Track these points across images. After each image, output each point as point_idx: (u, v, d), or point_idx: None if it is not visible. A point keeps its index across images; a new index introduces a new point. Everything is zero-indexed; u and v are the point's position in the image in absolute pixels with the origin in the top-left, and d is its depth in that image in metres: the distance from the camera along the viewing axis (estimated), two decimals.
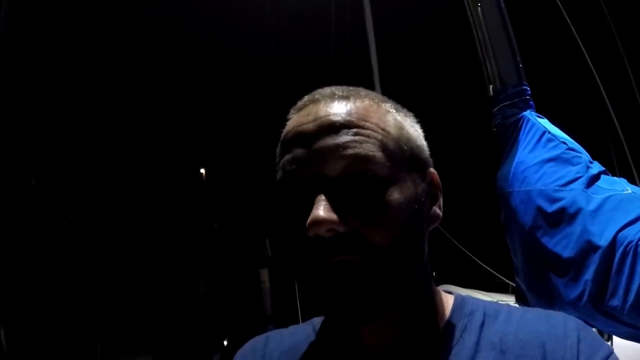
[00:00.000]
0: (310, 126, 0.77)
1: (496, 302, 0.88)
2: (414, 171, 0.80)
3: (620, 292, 1.60)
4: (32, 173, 6.73)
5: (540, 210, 2.02)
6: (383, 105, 0.83)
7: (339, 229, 0.71)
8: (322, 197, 0.72)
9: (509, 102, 2.50)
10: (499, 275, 4.28)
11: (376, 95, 0.84)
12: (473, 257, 5.18)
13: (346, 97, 0.80)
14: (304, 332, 0.93)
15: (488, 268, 4.56)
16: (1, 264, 6.17)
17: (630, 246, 1.59)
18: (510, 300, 3.08)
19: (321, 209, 0.71)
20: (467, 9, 2.79)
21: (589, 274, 1.71)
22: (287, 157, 0.77)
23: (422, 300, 0.83)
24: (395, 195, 0.75)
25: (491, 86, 2.65)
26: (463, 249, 5.65)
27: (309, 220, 0.71)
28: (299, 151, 0.76)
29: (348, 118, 0.77)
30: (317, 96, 0.82)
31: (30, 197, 6.71)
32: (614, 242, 1.64)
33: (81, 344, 6.36)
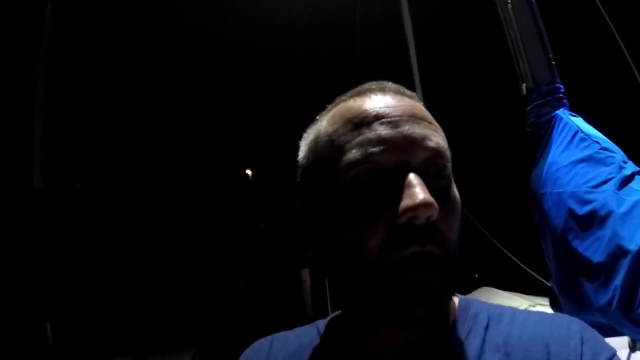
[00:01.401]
0: (395, 110, 0.75)
1: (499, 305, 0.87)
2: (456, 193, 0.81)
3: None
4: (78, 178, 6.97)
5: (571, 212, 1.96)
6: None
7: (434, 216, 0.69)
8: (417, 180, 0.70)
9: (542, 100, 2.44)
10: (540, 278, 4.16)
11: None
12: (514, 258, 5.06)
13: (412, 96, 0.81)
14: (308, 334, 0.92)
15: (529, 270, 4.44)
16: (50, 264, 6.39)
17: None
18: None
19: (422, 192, 0.68)
20: (497, 6, 2.73)
21: (618, 280, 1.64)
22: (369, 135, 0.73)
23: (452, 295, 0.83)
24: (457, 193, 0.77)
25: (524, 85, 2.59)
26: (504, 250, 5.53)
27: (410, 202, 0.68)
28: (386, 132, 0.73)
29: (424, 113, 0.78)
30: (386, 87, 0.81)
31: (76, 200, 6.94)
32: None
33: (124, 339, 6.51)
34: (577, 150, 2.10)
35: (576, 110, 2.43)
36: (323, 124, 0.81)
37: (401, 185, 0.70)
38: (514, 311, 0.85)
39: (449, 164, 0.76)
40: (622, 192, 1.80)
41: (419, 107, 0.79)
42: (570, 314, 2.08)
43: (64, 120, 7.02)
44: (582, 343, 0.76)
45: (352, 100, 0.80)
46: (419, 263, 0.69)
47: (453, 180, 0.78)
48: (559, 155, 2.17)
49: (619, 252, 1.66)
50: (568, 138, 2.19)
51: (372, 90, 0.80)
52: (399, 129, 0.73)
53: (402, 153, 0.72)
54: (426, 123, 0.76)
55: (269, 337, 0.95)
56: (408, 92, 0.82)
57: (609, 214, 1.76)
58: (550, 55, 2.49)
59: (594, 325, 1.99)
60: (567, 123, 2.24)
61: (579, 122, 2.28)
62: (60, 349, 6.30)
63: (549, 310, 2.51)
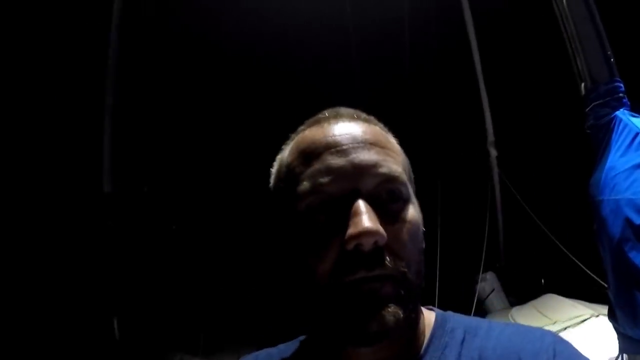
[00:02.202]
0: (345, 138, 0.77)
1: (477, 318, 0.88)
2: (414, 195, 0.82)
3: None
4: (144, 182, 7.23)
5: (628, 221, 1.85)
6: (389, 133, 0.86)
7: (381, 242, 0.70)
8: (364, 207, 0.71)
9: (601, 101, 2.32)
10: (605, 284, 3.96)
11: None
12: (580, 264, 4.85)
13: (367, 120, 0.82)
14: (291, 350, 0.92)
15: (594, 275, 4.24)
16: (117, 264, 6.68)
17: None
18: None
19: (367, 220, 0.70)
20: (553, 2, 2.61)
21: None
22: (318, 166, 0.75)
23: (412, 319, 0.81)
24: (414, 214, 0.77)
25: (583, 84, 2.46)
26: (571, 256, 5.31)
27: (354, 230, 0.69)
28: (334, 162, 0.75)
29: (377, 138, 0.79)
30: (340, 112, 0.83)
31: (143, 203, 7.22)
32: None
33: (186, 335, 6.70)
34: (636, 154, 1.99)
35: (638, 110, 2.30)
36: (285, 154, 0.83)
37: (349, 213, 0.71)
38: (491, 324, 0.85)
39: (404, 187, 0.77)
40: None
41: (372, 132, 0.79)
42: (625, 327, 1.96)
43: (131, 127, 7.30)
44: (554, 355, 0.76)
45: (307, 130, 0.82)
46: (368, 283, 0.70)
47: (413, 201, 0.79)
48: (618, 160, 2.05)
49: None
50: (628, 141, 2.07)
51: (325, 119, 0.81)
52: (348, 158, 0.75)
53: (351, 181, 0.74)
54: (378, 148, 0.77)
55: (252, 355, 0.95)
56: (363, 115, 0.83)
57: None
58: (609, 53, 2.36)
59: None
60: (626, 125, 2.12)
61: None
62: (126, 343, 6.57)
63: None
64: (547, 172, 7.75)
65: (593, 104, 2.35)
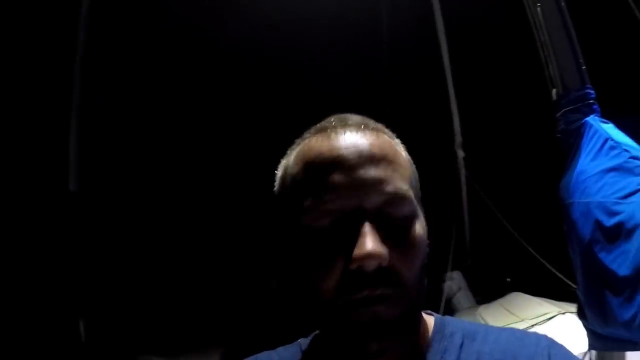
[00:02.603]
0: (352, 153, 0.76)
1: (475, 323, 0.90)
2: (421, 208, 0.82)
3: None
4: (112, 181, 7.20)
5: (598, 223, 1.92)
6: (397, 141, 0.84)
7: (384, 263, 0.71)
8: (369, 229, 0.72)
9: (572, 107, 2.39)
10: (571, 283, 4.09)
11: (390, 132, 0.85)
12: (546, 263, 4.98)
13: (376, 129, 0.81)
14: (291, 354, 0.93)
15: (560, 275, 4.38)
16: (84, 264, 6.58)
17: None
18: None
19: (371, 242, 0.70)
20: (527, 9, 2.68)
21: None
22: (323, 182, 0.75)
23: (414, 327, 0.84)
24: (419, 230, 0.77)
25: (554, 90, 2.54)
26: (536, 255, 5.45)
27: (358, 252, 0.70)
28: (340, 179, 0.74)
29: (384, 151, 0.78)
30: (348, 121, 0.81)
31: (110, 202, 7.17)
32: None
33: (154, 337, 6.63)
34: (606, 158, 2.06)
35: (608, 116, 2.38)
36: (290, 161, 0.82)
37: (353, 232, 0.72)
38: (487, 329, 0.88)
39: (410, 204, 0.77)
40: None
41: (379, 145, 0.78)
42: (595, 326, 2.04)
43: (99, 125, 7.22)
44: (549, 358, 0.79)
45: (314, 139, 0.80)
46: (370, 303, 0.71)
47: (418, 215, 0.79)
48: (588, 164, 2.13)
49: None
50: (598, 146, 2.15)
51: (332, 128, 0.79)
52: (354, 175, 0.74)
53: (356, 199, 0.73)
54: (385, 164, 0.76)
55: (252, 358, 0.95)
56: (372, 125, 0.81)
57: (636, 227, 1.72)
58: (581, 60, 2.44)
59: (617, 339, 1.95)
60: (597, 130, 2.20)
61: (610, 129, 2.23)
62: (92, 345, 6.48)
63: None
64: (513, 174, 7.93)
65: (564, 110, 2.42)
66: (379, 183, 0.74)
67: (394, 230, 0.74)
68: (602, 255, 1.85)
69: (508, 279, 6.86)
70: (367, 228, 0.71)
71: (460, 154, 8.24)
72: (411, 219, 0.77)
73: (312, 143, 0.79)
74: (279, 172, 0.85)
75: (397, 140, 0.84)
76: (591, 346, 2.28)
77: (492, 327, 0.90)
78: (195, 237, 8.13)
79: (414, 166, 0.84)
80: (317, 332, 0.92)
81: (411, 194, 0.77)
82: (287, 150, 0.86)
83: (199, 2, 8.05)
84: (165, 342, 6.62)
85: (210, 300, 7.44)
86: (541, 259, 4.97)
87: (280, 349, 0.95)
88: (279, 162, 0.87)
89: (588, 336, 2.22)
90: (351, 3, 7.92)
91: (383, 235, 0.72)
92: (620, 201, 1.84)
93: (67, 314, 6.41)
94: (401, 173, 0.78)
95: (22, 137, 6.95)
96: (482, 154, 8.12)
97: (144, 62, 8.05)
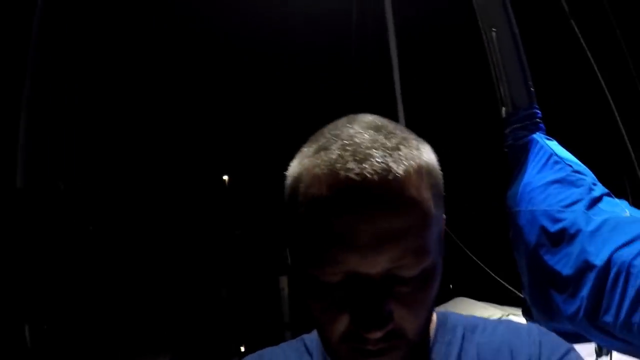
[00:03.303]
0: (357, 213, 0.68)
1: (473, 316, 0.95)
2: (441, 242, 0.78)
3: (613, 309, 1.70)
4: (60, 178, 7.00)
5: (543, 229, 2.13)
6: (424, 163, 0.74)
7: (388, 329, 0.71)
8: (375, 296, 0.70)
9: (520, 124, 2.61)
10: (513, 289, 4.36)
11: (417, 146, 0.75)
12: (489, 271, 5.25)
13: (395, 175, 0.69)
14: (295, 350, 0.94)
15: (503, 282, 4.64)
16: (29, 265, 6.40)
17: (623, 266, 1.69)
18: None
19: (375, 315, 0.69)
20: (482, 33, 2.91)
21: (585, 291, 1.82)
22: (331, 236, 0.69)
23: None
24: (434, 286, 0.76)
25: (504, 108, 2.76)
26: (480, 263, 5.72)
27: (361, 325, 0.70)
28: (349, 237, 0.68)
29: (400, 210, 0.69)
30: (364, 161, 0.69)
31: (59, 200, 6.97)
32: (609, 262, 1.75)
33: (103, 343, 6.51)
34: (550, 172, 2.28)
35: (552, 133, 2.62)
36: (299, 191, 0.74)
37: (360, 295, 0.70)
38: (485, 322, 0.93)
39: (426, 261, 0.72)
40: (590, 212, 1.98)
41: (409, 191, 0.70)
42: (541, 322, 2.26)
43: (49, 120, 7.04)
44: (540, 345, 0.85)
45: (322, 172, 0.71)
46: (372, 355, 0.73)
47: (435, 267, 0.74)
48: (534, 176, 2.34)
49: (585, 267, 1.84)
50: (543, 160, 2.37)
51: (343, 165, 0.69)
52: (368, 235, 0.68)
53: (367, 262, 0.69)
54: (405, 219, 0.69)
55: (256, 354, 0.95)
56: (394, 166, 0.69)
57: (577, 232, 1.93)
58: (530, 82, 2.67)
59: (563, 333, 2.18)
60: (542, 146, 2.42)
61: (554, 145, 2.46)
62: (38, 351, 6.30)
63: (521, 319, 2.68)
64: (458, 185, 8.27)
65: (513, 127, 2.64)
66: (396, 248, 0.69)
67: (406, 290, 0.72)
68: (547, 258, 2.07)
69: (450, 286, 7.17)
70: (373, 296, 0.70)
71: None
72: (427, 273, 0.73)
73: (322, 190, 0.70)
74: (286, 179, 0.79)
75: (424, 160, 0.74)
76: None
77: (489, 320, 0.95)
78: (147, 242, 8.06)
79: (441, 186, 0.79)
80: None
81: (428, 251, 0.72)
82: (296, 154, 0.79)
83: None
84: (113, 348, 6.52)
85: (160, 306, 7.40)
86: (484, 267, 5.24)
87: (284, 345, 0.96)
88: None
89: None
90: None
91: (393, 297, 0.71)
92: (564, 209, 2.06)
93: (11, 318, 6.23)
94: (421, 227, 0.71)
95: None
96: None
97: (94, 54, 7.93)
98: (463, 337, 0.89)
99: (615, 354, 2.20)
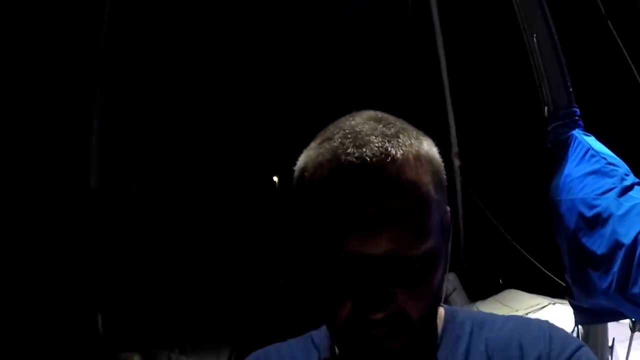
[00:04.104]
0: (358, 194, 0.70)
1: (482, 312, 0.97)
2: (446, 230, 0.80)
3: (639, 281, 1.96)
4: (134, 180, 7.53)
5: (581, 215, 2.39)
6: (423, 152, 0.77)
7: (392, 311, 0.72)
8: (380, 278, 0.71)
9: (561, 122, 2.86)
10: (557, 279, 4.55)
11: (416, 136, 0.78)
12: (535, 262, 5.44)
13: (394, 157, 0.72)
14: (302, 346, 0.94)
15: (548, 272, 4.82)
16: (104, 259, 6.91)
17: None
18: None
19: (380, 295, 0.70)
20: (524, 38, 3.16)
21: (616, 267, 2.07)
22: (335, 220, 0.71)
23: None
24: (438, 270, 0.77)
25: (546, 108, 3.01)
26: (527, 255, 5.90)
27: (366, 305, 0.71)
28: (353, 220, 0.70)
29: (399, 190, 0.71)
30: (366, 148, 0.72)
31: (131, 201, 7.50)
32: (635, 241, 2.01)
33: (167, 332, 6.92)
34: (587, 164, 2.53)
35: (590, 129, 2.86)
36: (305, 178, 0.77)
37: (365, 277, 0.71)
38: (494, 318, 0.92)
39: (429, 243, 0.73)
40: (622, 199, 2.23)
41: (402, 183, 0.71)
42: (580, 300, 2.52)
43: (121, 124, 7.49)
44: (550, 340, 0.84)
45: (326, 161, 0.74)
46: (378, 339, 0.74)
47: (439, 250, 0.76)
48: (573, 169, 2.60)
49: (616, 246, 2.09)
50: (581, 154, 2.62)
51: (346, 154, 0.72)
52: (370, 217, 0.70)
53: (370, 243, 0.70)
54: (406, 203, 0.71)
55: (262, 350, 0.96)
56: (393, 149, 0.72)
57: (610, 216, 2.19)
58: (569, 83, 2.91)
59: (600, 310, 2.43)
60: (580, 142, 2.67)
61: (591, 140, 2.70)
62: (109, 337, 6.80)
63: (566, 307, 2.91)
64: (506, 182, 8.44)
65: (554, 124, 2.89)
66: (392, 229, 0.70)
67: (409, 272, 0.73)
68: (584, 240, 2.32)
69: (500, 281, 7.34)
70: (376, 276, 0.71)
71: (457, 162, 8.70)
72: (430, 256, 0.74)
73: (325, 174, 0.73)
74: (295, 174, 0.81)
75: (424, 149, 0.77)
76: (577, 322, 2.74)
77: (498, 315, 0.95)
78: (210, 237, 8.49)
79: (442, 176, 0.80)
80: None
81: (431, 232, 0.74)
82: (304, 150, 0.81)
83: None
84: (178, 337, 6.89)
85: (222, 298, 7.82)
86: (532, 259, 5.43)
87: (292, 341, 0.96)
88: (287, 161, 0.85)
89: (574, 313, 2.69)
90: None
91: (396, 279, 0.72)
92: (598, 197, 2.31)
93: (85, 308, 6.75)
94: (421, 210, 0.73)
95: (46, 137, 7.29)
96: (477, 164, 8.61)
97: (160, 63, 8.40)
98: (471, 333, 0.88)
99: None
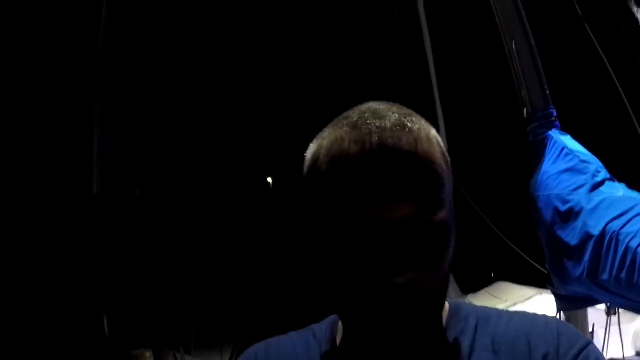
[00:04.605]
0: (386, 162, 0.73)
1: (488, 307, 0.95)
2: (451, 208, 0.82)
3: (607, 269, 2.16)
4: (136, 183, 7.66)
5: (556, 210, 2.60)
6: (432, 135, 0.80)
7: (408, 278, 0.73)
8: (396, 241, 0.72)
9: (538, 123, 3.07)
10: (541, 268, 4.74)
11: (426, 120, 0.82)
12: (525, 256, 5.64)
13: (412, 131, 0.76)
14: (303, 339, 0.94)
15: (535, 264, 5.02)
16: (109, 262, 7.07)
17: (613, 235, 2.15)
18: None
19: (396, 258, 0.72)
20: (504, 44, 3.35)
21: (587, 256, 2.28)
22: (353, 189, 0.74)
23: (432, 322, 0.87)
24: (451, 244, 0.78)
25: (525, 109, 3.21)
26: (517, 249, 6.11)
27: (382, 267, 0.72)
28: (370, 187, 0.73)
29: (420, 160, 0.75)
30: (385, 122, 0.76)
31: (134, 204, 7.64)
32: (603, 232, 2.21)
33: (172, 332, 7.07)
34: (563, 162, 2.74)
35: (567, 127, 3.06)
36: (321, 154, 0.79)
37: (381, 244, 0.73)
38: (500, 313, 0.91)
39: (441, 214, 0.76)
40: (592, 194, 2.44)
41: (417, 153, 0.75)
42: (559, 288, 2.73)
43: (122, 128, 7.61)
44: (558, 336, 0.82)
45: (347, 138, 0.76)
46: (389, 302, 0.74)
47: (449, 224, 0.78)
48: (550, 167, 2.80)
49: (587, 237, 2.30)
50: (557, 153, 2.83)
51: (367, 127, 0.76)
52: (387, 184, 0.73)
53: (387, 209, 0.73)
54: (420, 172, 0.75)
55: (262, 343, 0.96)
56: (409, 123, 0.77)
57: (581, 210, 2.40)
58: (546, 87, 3.12)
59: (576, 296, 2.64)
60: (556, 141, 2.88)
61: (567, 140, 2.91)
62: (115, 339, 6.96)
63: (552, 297, 3.12)
64: (494, 179, 8.67)
65: (533, 125, 3.10)
66: (411, 194, 0.73)
67: (422, 240, 0.74)
68: (559, 233, 2.53)
69: (492, 274, 7.58)
70: (394, 241, 0.72)
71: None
72: (442, 228, 0.76)
73: (345, 144, 0.76)
74: (308, 157, 0.82)
75: (433, 133, 0.81)
76: (559, 309, 2.96)
77: (504, 311, 0.94)
78: (210, 240, 8.66)
79: (448, 159, 0.82)
80: (330, 318, 0.94)
81: (443, 203, 0.76)
82: (317, 135, 0.82)
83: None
84: (183, 337, 7.03)
85: (224, 299, 7.98)
86: (520, 252, 5.64)
87: (292, 334, 0.97)
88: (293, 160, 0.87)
89: (556, 300, 2.91)
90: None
91: (411, 246, 0.73)
92: (571, 193, 2.52)
93: (91, 310, 6.91)
94: (434, 181, 0.76)
95: (50, 146, 7.45)
96: (467, 160, 8.83)
97: (160, 70, 8.55)
98: (476, 327, 0.87)
99: None
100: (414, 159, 0.74)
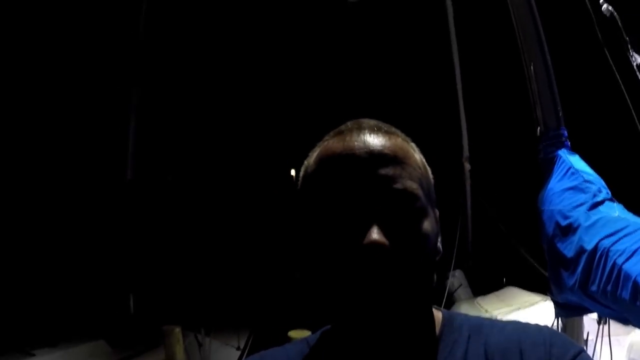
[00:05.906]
0: (363, 152, 0.81)
1: (480, 317, 0.97)
2: (432, 208, 0.87)
3: (597, 281, 2.40)
4: (168, 171, 8.02)
5: (557, 224, 2.83)
6: (411, 144, 0.89)
7: (388, 252, 0.76)
8: (375, 223, 0.77)
9: (550, 142, 3.28)
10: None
11: (404, 135, 0.90)
12: (537, 265, 5.84)
13: (389, 132, 0.85)
14: (298, 350, 0.96)
15: (543, 271, 5.22)
16: (135, 247, 7.40)
17: (604, 251, 2.39)
18: None
19: (376, 234, 0.76)
20: (523, 65, 3.56)
21: (580, 269, 2.52)
22: (335, 178, 0.80)
23: (425, 320, 0.90)
24: (427, 227, 0.82)
25: (538, 128, 3.43)
26: (529, 257, 6.30)
27: (368, 242, 0.75)
28: (349, 175, 0.80)
29: (395, 152, 0.82)
30: (363, 124, 0.86)
31: (166, 190, 7.98)
32: (596, 247, 2.44)
33: (194, 315, 7.37)
34: (567, 181, 2.97)
35: (577, 147, 3.27)
36: (310, 161, 0.88)
37: (362, 226, 0.77)
38: (493, 322, 0.93)
39: (417, 201, 0.81)
40: (591, 212, 2.67)
41: (391, 146, 0.83)
42: (556, 296, 2.97)
43: (156, 119, 7.94)
44: (550, 345, 0.84)
45: (330, 141, 0.86)
46: (377, 288, 0.76)
47: (428, 213, 0.83)
48: (556, 184, 3.03)
49: (581, 251, 2.54)
50: (563, 171, 3.05)
51: (348, 131, 0.85)
52: (364, 172, 0.79)
53: (365, 195, 0.78)
54: (395, 163, 0.81)
55: (257, 355, 0.98)
56: (385, 128, 0.86)
57: (578, 226, 2.63)
58: (559, 108, 3.33)
59: (570, 304, 2.89)
60: (564, 160, 3.10)
61: (575, 160, 3.13)
62: (140, 317, 7.30)
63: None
64: (511, 188, 8.84)
65: (544, 143, 3.31)
66: (387, 181, 0.79)
67: (400, 226, 0.78)
68: (558, 245, 2.77)
69: (504, 279, 7.77)
70: (373, 222, 0.77)
71: (467, 166, 9.11)
72: (418, 216, 0.81)
73: (329, 144, 0.85)
74: (301, 172, 0.90)
75: (412, 144, 0.89)
76: (556, 314, 3.20)
77: (496, 320, 0.96)
78: (234, 229, 8.97)
79: (428, 169, 0.89)
80: (324, 328, 0.96)
81: (419, 192, 0.82)
82: (309, 152, 0.91)
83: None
84: (203, 320, 7.31)
85: (243, 286, 8.29)
86: (530, 259, 5.83)
87: (288, 345, 0.98)
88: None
89: (554, 307, 3.14)
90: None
91: (389, 230, 0.77)
92: (572, 209, 2.76)
93: (119, 289, 7.27)
94: (410, 173, 0.82)
95: (87, 134, 7.82)
96: (486, 168, 9.02)
97: (191, 65, 8.84)
98: (469, 337, 0.88)
99: None
100: (391, 150, 0.82)
